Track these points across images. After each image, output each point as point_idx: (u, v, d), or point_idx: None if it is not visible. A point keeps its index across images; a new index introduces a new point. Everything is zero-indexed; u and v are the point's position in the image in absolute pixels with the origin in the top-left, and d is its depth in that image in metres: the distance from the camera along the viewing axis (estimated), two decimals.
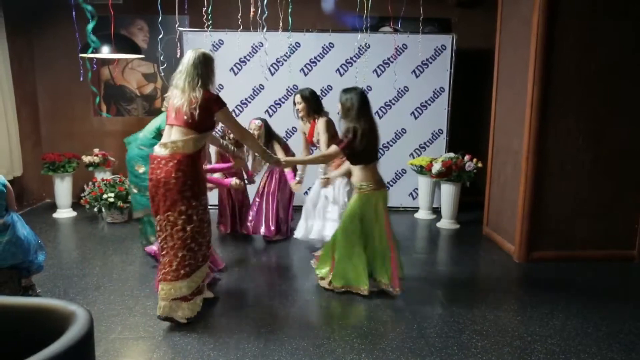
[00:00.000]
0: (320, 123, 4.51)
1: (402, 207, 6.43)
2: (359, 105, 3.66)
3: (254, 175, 5.28)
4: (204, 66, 3.22)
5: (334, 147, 3.70)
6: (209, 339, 3.16)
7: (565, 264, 4.53)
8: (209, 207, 3.41)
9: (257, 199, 5.20)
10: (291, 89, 6.17)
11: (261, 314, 3.52)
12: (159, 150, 3.25)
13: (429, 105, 6.28)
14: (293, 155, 5.13)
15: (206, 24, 5.02)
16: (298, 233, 4.78)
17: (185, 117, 3.17)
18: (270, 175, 5.21)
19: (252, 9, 4.30)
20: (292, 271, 4.47)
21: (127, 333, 3.22)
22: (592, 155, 4.49)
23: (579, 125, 4.44)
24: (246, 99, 6.29)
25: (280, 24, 5.05)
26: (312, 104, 4.64)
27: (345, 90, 3.79)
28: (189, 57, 3.24)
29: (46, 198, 6.77)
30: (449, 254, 5.02)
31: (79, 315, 1.79)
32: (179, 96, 3.22)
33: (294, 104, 4.72)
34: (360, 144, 3.61)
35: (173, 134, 3.24)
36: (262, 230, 5.11)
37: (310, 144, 4.80)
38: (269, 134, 5.04)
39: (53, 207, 6.33)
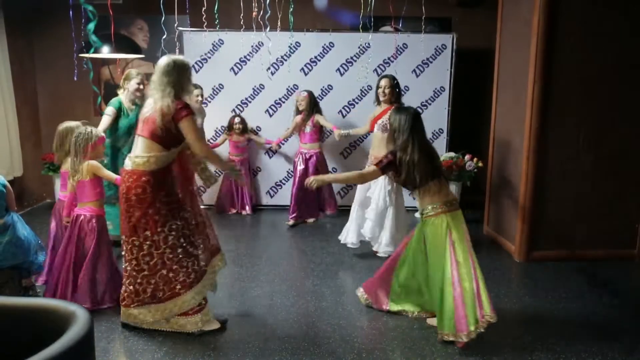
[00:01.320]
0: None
1: None
2: (408, 129, 3.15)
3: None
4: (176, 73, 3.01)
5: (372, 167, 3.29)
6: (210, 339, 3.16)
7: (565, 264, 4.53)
8: (188, 229, 3.12)
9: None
10: (291, 88, 6.18)
11: (261, 314, 3.52)
12: (126, 163, 3.10)
13: (430, 104, 6.28)
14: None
15: (205, 24, 5.02)
16: (348, 238, 4.78)
17: (154, 128, 2.98)
18: (302, 160, 5.78)
19: (254, 10, 4.30)
20: (292, 270, 4.46)
21: (127, 333, 3.22)
22: (593, 155, 4.49)
23: (580, 125, 4.44)
24: (246, 99, 6.29)
25: (279, 23, 5.06)
26: (397, 90, 4.81)
27: (397, 110, 3.32)
28: (159, 64, 3.04)
29: (46, 198, 6.78)
30: None
31: (79, 315, 1.80)
32: (151, 106, 3.05)
33: (378, 87, 4.80)
34: (407, 173, 3.14)
35: (138, 147, 3.08)
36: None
37: (371, 130, 4.93)
38: (312, 106, 5.67)
39: (53, 207, 6.32)
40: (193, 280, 3.13)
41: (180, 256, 3.08)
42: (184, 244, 3.10)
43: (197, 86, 5.38)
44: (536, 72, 4.34)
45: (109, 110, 4.60)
